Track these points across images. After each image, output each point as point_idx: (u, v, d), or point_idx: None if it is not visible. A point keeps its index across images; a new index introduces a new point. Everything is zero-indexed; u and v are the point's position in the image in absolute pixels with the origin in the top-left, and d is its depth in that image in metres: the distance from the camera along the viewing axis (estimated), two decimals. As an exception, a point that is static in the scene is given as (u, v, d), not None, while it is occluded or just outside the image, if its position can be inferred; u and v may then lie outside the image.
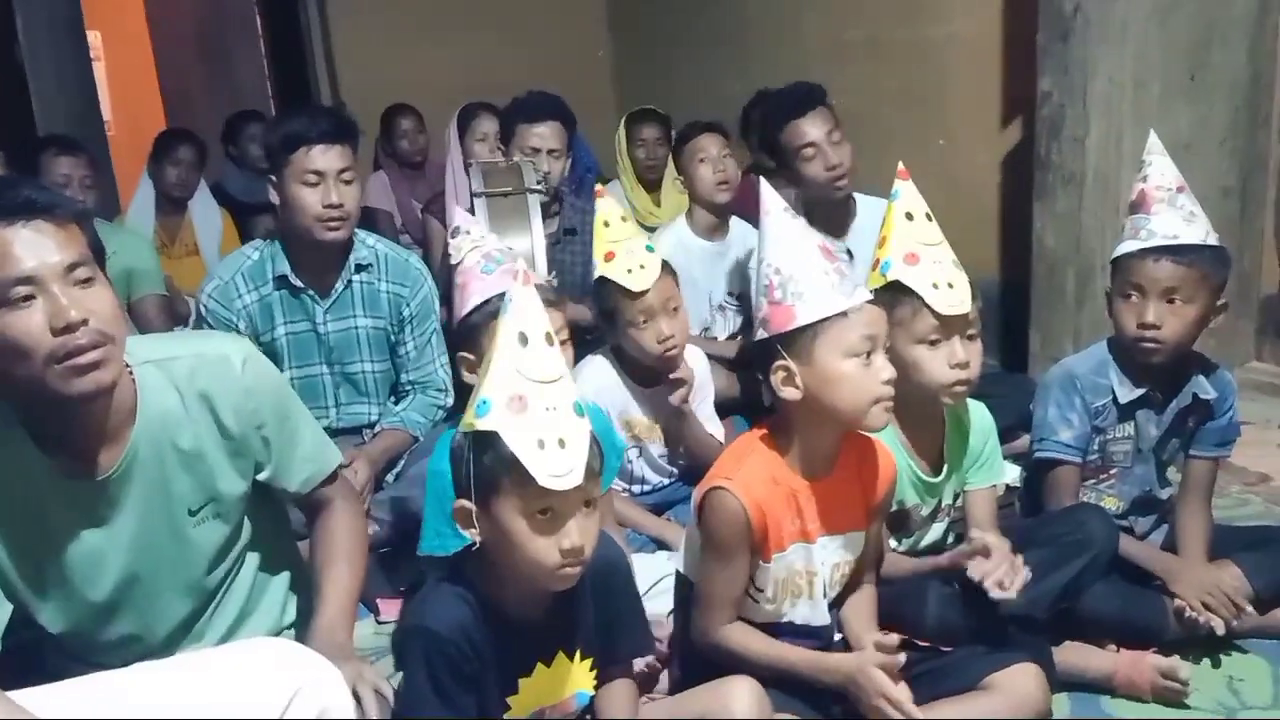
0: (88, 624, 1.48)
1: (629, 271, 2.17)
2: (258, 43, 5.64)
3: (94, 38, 6.09)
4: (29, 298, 1.25)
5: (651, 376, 2.29)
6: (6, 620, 1.40)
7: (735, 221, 3.12)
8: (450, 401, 2.59)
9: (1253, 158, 2.98)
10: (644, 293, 2.16)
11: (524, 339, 1.29)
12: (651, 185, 3.95)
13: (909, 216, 1.69)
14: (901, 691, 1.46)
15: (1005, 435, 2.07)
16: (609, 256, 2.19)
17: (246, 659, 1.21)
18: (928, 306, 1.65)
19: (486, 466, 1.28)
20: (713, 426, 2.40)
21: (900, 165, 1.73)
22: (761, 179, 1.66)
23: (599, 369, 2.28)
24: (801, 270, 1.49)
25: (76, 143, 3.25)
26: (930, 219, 1.70)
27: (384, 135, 4.43)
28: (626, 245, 2.19)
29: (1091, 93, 2.68)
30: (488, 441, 1.27)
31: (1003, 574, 1.61)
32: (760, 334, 1.53)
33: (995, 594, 1.60)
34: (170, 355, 1.45)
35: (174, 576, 1.50)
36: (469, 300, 1.83)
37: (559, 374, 1.30)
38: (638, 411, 2.32)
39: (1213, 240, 1.88)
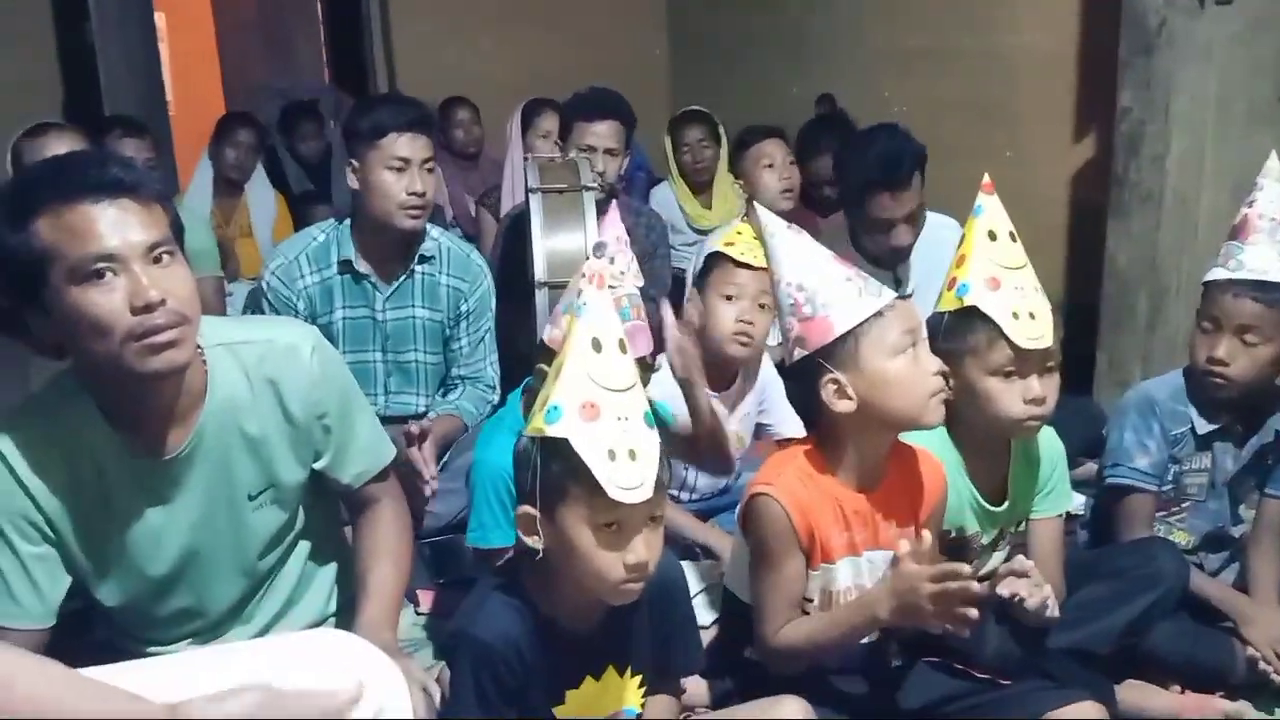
0: (143, 601, 1.50)
1: (740, 250, 2.12)
2: (318, 30, 5.67)
3: (159, 19, 6.15)
4: (111, 274, 1.26)
5: (718, 379, 2.23)
6: (65, 592, 1.42)
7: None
8: (496, 399, 2.58)
9: (1336, 184, 2.87)
10: (744, 265, 2.11)
11: (597, 345, 1.26)
12: (700, 187, 3.90)
13: (992, 236, 1.60)
14: (948, 567, 1.35)
15: (1068, 461, 2.01)
16: (730, 243, 2.16)
17: (310, 650, 1.19)
18: (1006, 338, 1.57)
19: (554, 474, 1.25)
20: (793, 421, 2.34)
21: (986, 178, 1.66)
22: (755, 203, 1.62)
23: (666, 369, 2.23)
24: (824, 281, 1.45)
25: (142, 124, 3.28)
26: (1015, 239, 1.61)
27: (439, 126, 4.42)
28: (747, 237, 2.16)
29: (1174, 110, 2.60)
30: (556, 448, 1.24)
31: (1030, 589, 1.55)
32: (798, 353, 1.48)
33: (1031, 606, 1.54)
34: (242, 339, 1.46)
35: (229, 559, 1.52)
36: None
37: (631, 383, 1.27)
38: (706, 415, 2.27)
39: None
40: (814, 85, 3.80)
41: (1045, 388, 1.60)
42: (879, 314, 1.43)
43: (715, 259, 2.16)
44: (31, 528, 1.38)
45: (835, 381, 1.44)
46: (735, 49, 4.62)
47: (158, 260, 1.29)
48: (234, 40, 6.57)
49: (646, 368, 1.76)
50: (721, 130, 3.85)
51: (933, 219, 2.62)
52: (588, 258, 1.69)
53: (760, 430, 2.39)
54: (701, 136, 3.81)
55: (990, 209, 1.62)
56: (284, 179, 4.43)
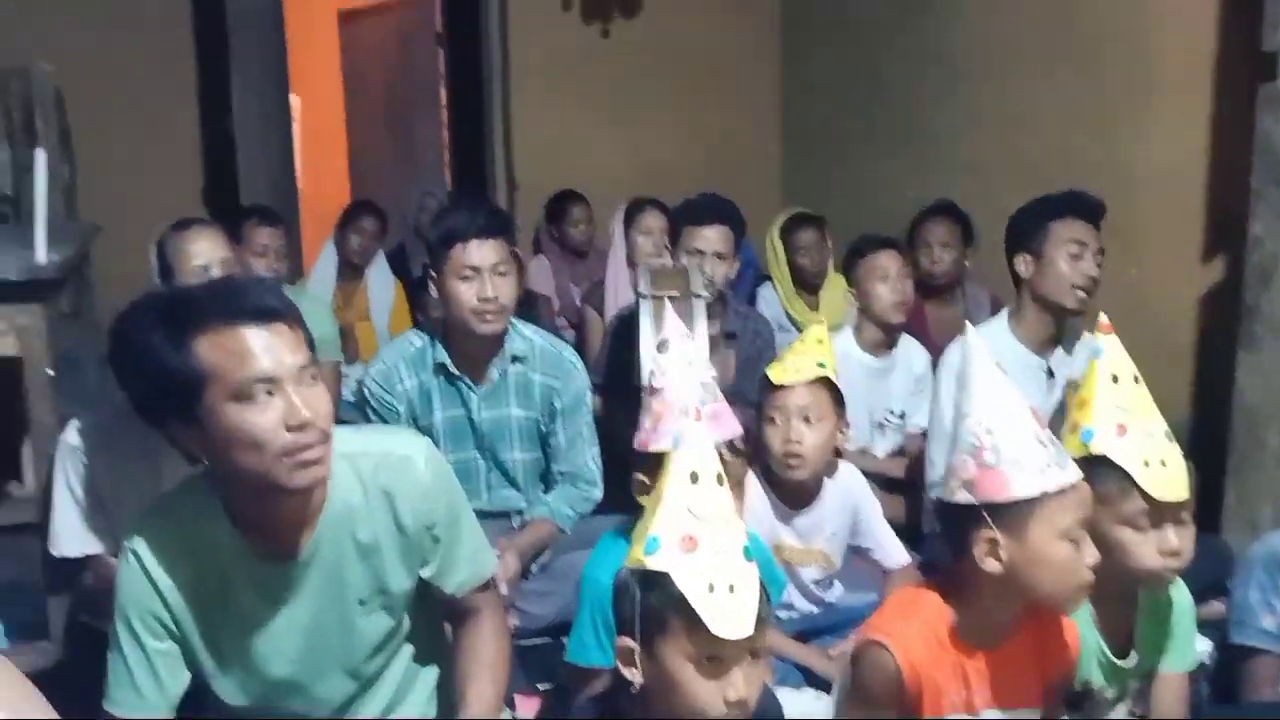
0: (256, 698, 1.55)
1: (783, 369, 2.15)
2: (441, 119, 5.89)
3: (294, 101, 6.46)
4: (268, 395, 1.34)
5: (795, 500, 2.22)
6: (184, 687, 1.49)
7: (904, 339, 3.05)
8: (599, 495, 2.59)
9: None
10: (782, 388, 2.12)
11: (694, 477, 1.28)
12: (813, 289, 3.90)
13: (1114, 379, 1.55)
14: None
15: (1195, 600, 1.91)
16: (779, 360, 2.20)
17: None
18: (1138, 487, 1.51)
19: (653, 606, 1.25)
20: (893, 548, 2.30)
21: (1103, 318, 1.62)
22: (968, 324, 1.60)
23: (748, 489, 2.16)
24: (1016, 435, 1.39)
25: (276, 214, 3.44)
26: (1138, 381, 1.56)
27: (552, 220, 4.51)
28: (800, 348, 2.19)
29: (1308, 242, 2.51)
30: (656, 580, 1.25)
31: None
32: (962, 495, 1.43)
33: None
34: (360, 450, 1.52)
35: (338, 661, 1.56)
36: (659, 437, 1.72)
37: (729, 516, 1.29)
38: (789, 535, 2.24)
39: None
40: (929, 189, 3.76)
41: (1181, 539, 1.53)
42: (1061, 491, 1.38)
43: (762, 382, 2.17)
44: (158, 623, 1.45)
45: (992, 541, 1.40)
46: (850, 149, 4.64)
47: (306, 381, 1.36)
48: (362, 123, 6.87)
49: (737, 453, 1.77)
50: (828, 231, 3.87)
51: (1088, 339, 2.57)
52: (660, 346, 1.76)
53: (859, 551, 2.35)
54: (817, 238, 3.83)
55: (1111, 351, 1.57)
56: (409, 265, 4.57)
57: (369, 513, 1.50)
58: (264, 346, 1.34)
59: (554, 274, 4.40)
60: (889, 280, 2.91)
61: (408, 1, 6.03)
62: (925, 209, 3.51)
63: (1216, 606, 2.15)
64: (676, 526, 1.25)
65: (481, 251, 2.35)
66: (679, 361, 1.76)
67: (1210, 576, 2.17)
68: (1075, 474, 1.40)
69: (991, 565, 1.40)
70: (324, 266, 4.16)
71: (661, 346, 1.79)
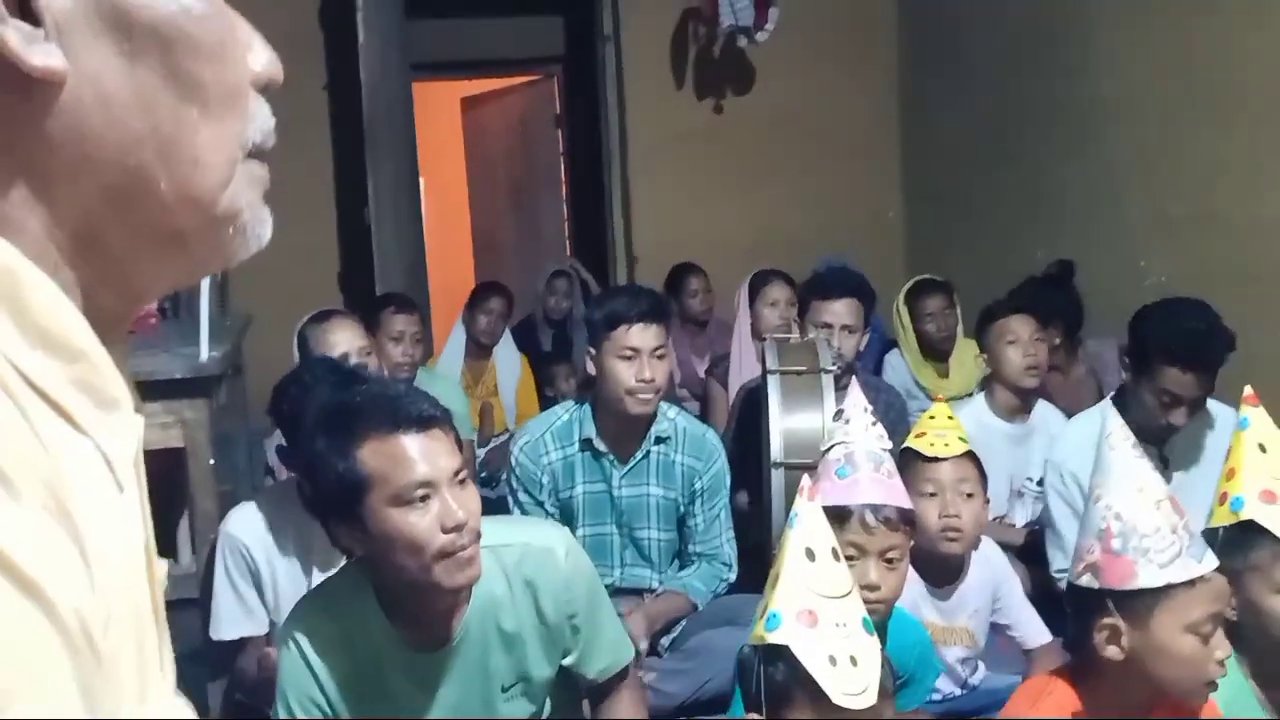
0: None
1: (930, 443, 2.10)
2: (561, 196, 6.05)
3: (420, 183, 6.72)
4: (427, 498, 1.40)
5: (941, 577, 2.16)
6: None
7: (1041, 404, 2.97)
8: (733, 577, 2.60)
9: None
10: (935, 460, 2.07)
11: (810, 554, 1.31)
12: (941, 356, 3.82)
13: (1262, 449, 1.54)
14: None
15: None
16: (920, 434, 2.16)
17: None
18: None
19: (777, 681, 1.28)
20: (1033, 626, 2.22)
21: (1248, 390, 1.60)
22: (1110, 404, 1.56)
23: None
24: (1148, 524, 1.37)
25: (412, 302, 3.57)
26: None
27: (671, 292, 4.55)
28: (933, 424, 2.15)
29: None
30: (778, 655, 1.28)
31: None
32: (1086, 579, 1.41)
33: None
34: (503, 542, 1.57)
35: None
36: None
37: (848, 589, 1.31)
38: (932, 612, 2.18)
39: None
40: (1061, 250, 3.66)
41: None
42: (1190, 583, 1.35)
43: (907, 456, 2.10)
44: (315, 708, 1.52)
45: (1113, 628, 1.37)
46: (974, 209, 4.55)
47: (459, 483, 1.43)
48: (484, 202, 7.10)
49: (895, 527, 1.71)
50: (955, 298, 3.80)
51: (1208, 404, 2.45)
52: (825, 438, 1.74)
53: (999, 628, 2.27)
54: (945, 305, 3.76)
55: (1257, 421, 1.57)
56: (536, 337, 4.69)
57: (512, 603, 1.56)
58: (422, 453, 1.40)
59: (675, 345, 4.40)
60: (1020, 344, 2.85)
61: (527, 86, 6.26)
62: (1029, 280, 3.43)
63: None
64: (796, 602, 1.28)
65: (644, 335, 2.41)
66: (845, 430, 1.75)
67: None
68: (1208, 566, 1.36)
69: (1111, 652, 1.38)
70: (453, 346, 4.29)
71: (837, 416, 1.80)
